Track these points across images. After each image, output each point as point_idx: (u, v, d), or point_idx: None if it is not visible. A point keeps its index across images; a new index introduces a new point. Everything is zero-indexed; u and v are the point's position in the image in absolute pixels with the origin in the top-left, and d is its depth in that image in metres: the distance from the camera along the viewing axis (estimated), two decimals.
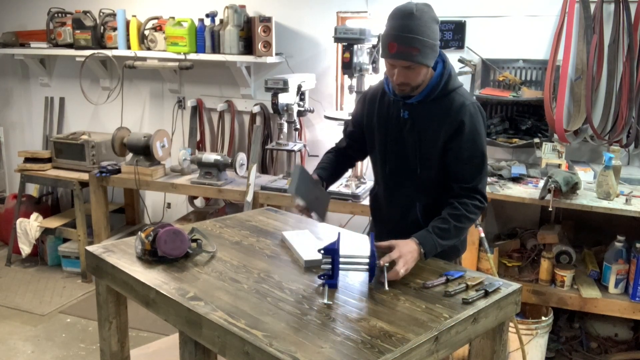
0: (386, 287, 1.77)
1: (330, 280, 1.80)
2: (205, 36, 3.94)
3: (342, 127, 3.51)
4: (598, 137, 3.18)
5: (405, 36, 1.84)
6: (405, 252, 1.86)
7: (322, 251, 1.80)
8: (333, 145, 2.40)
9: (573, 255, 3.10)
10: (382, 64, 3.50)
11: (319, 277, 1.82)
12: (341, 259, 1.82)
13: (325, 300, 1.70)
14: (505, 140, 3.35)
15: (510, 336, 2.71)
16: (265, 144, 4.05)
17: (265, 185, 3.66)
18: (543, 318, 2.98)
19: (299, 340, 1.48)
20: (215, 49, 3.94)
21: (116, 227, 4.54)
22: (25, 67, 4.94)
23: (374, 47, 3.46)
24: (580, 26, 3.24)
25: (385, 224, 2.25)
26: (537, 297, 3.01)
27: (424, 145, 2.04)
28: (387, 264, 1.82)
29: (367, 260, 1.83)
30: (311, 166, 4.07)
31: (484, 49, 3.50)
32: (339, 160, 2.33)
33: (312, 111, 3.82)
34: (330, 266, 1.80)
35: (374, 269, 1.82)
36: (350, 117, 2.37)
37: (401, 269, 1.81)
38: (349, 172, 3.71)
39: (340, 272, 1.85)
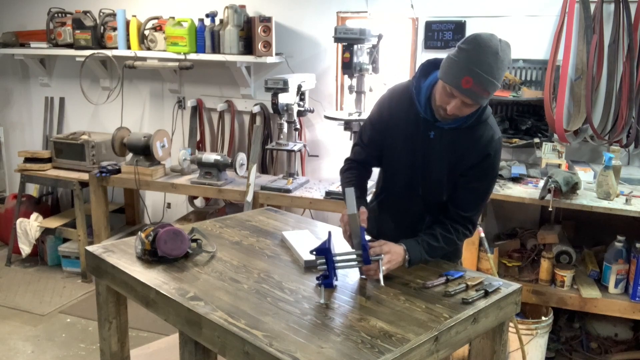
0: (381, 283, 1.77)
1: (326, 280, 1.79)
2: (205, 36, 3.94)
3: (342, 127, 3.52)
4: (598, 137, 3.18)
5: (486, 78, 1.73)
6: (394, 252, 1.88)
7: (313, 252, 1.79)
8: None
9: (573, 255, 3.10)
10: (382, 64, 3.51)
11: (317, 278, 1.81)
12: (335, 257, 1.80)
13: (322, 301, 1.70)
14: (505, 140, 3.34)
15: (510, 336, 2.71)
16: (265, 144, 4.05)
17: (265, 185, 3.66)
18: (543, 318, 2.98)
19: (299, 340, 1.48)
20: (215, 49, 3.94)
21: (116, 227, 4.54)
22: (25, 67, 4.94)
23: (374, 47, 3.46)
24: (580, 26, 3.24)
25: (387, 230, 2.16)
26: (537, 297, 3.01)
27: (446, 169, 2.00)
28: (381, 257, 1.81)
29: (360, 255, 1.82)
30: (312, 166, 4.10)
31: None
32: (363, 176, 2.18)
33: (312, 111, 3.82)
34: (326, 266, 1.79)
35: (368, 262, 1.81)
36: (367, 123, 2.18)
37: (384, 264, 1.82)
38: None
39: (340, 272, 1.85)
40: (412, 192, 2.09)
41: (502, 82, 1.82)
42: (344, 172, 2.22)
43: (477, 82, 1.73)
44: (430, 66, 1.98)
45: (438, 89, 1.87)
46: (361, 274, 1.88)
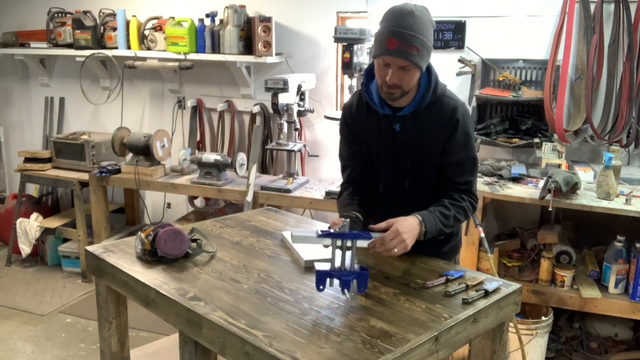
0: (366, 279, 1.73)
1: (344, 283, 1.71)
2: (205, 36, 3.94)
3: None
4: (598, 137, 3.18)
5: (407, 33, 1.79)
6: (404, 230, 1.81)
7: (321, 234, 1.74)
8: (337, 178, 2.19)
9: (573, 255, 3.10)
10: None
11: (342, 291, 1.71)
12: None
13: (348, 296, 1.68)
14: (505, 140, 3.34)
15: (510, 336, 2.71)
16: (265, 144, 4.05)
17: (265, 185, 3.66)
18: (543, 318, 2.98)
19: (299, 340, 1.48)
20: (215, 49, 3.94)
21: (116, 227, 4.54)
22: (25, 67, 4.94)
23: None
24: (580, 26, 3.24)
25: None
26: (537, 297, 3.01)
27: (421, 155, 2.00)
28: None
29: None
30: (312, 166, 4.09)
31: (484, 49, 3.50)
32: (359, 193, 2.12)
33: (312, 111, 3.83)
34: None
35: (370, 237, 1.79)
36: (342, 142, 2.20)
37: (395, 247, 1.78)
38: None
39: (342, 273, 1.84)
40: (391, 194, 2.08)
41: (431, 41, 1.87)
42: (339, 197, 2.17)
43: (400, 40, 1.80)
44: (373, 69, 1.99)
45: (375, 70, 1.91)
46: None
